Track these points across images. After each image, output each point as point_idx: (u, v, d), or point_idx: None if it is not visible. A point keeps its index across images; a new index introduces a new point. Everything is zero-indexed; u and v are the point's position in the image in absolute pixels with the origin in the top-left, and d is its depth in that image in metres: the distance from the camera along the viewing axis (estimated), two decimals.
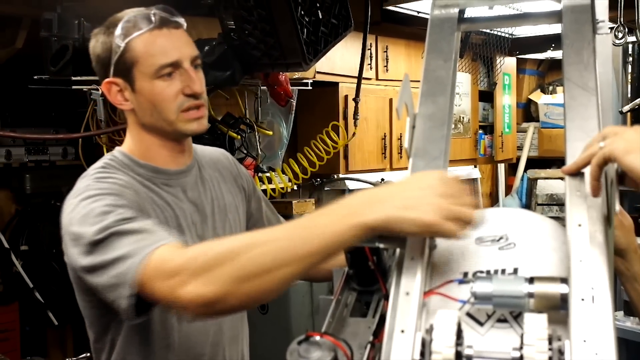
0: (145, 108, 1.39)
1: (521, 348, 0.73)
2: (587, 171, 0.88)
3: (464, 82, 5.08)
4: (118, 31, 1.35)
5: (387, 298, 0.90)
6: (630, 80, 4.46)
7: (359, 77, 3.49)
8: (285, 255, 1.02)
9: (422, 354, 0.75)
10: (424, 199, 0.91)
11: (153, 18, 1.36)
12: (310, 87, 3.59)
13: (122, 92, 1.40)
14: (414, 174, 0.97)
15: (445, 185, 0.92)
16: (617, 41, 3.14)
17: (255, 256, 1.03)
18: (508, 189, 6.30)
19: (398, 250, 0.90)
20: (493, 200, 6.21)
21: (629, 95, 4.42)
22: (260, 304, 1.10)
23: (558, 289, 0.78)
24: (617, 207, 0.88)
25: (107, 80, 1.40)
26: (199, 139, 3.02)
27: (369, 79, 4.09)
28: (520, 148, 6.11)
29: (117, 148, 1.46)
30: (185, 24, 1.43)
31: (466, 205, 0.91)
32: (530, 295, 0.78)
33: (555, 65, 6.23)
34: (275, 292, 1.06)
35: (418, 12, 3.77)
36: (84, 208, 1.24)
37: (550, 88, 6.21)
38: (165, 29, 1.37)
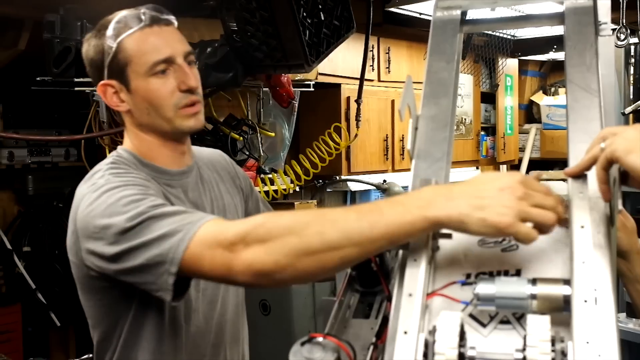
0: (142, 108, 1.38)
1: (524, 349, 0.73)
2: (592, 174, 0.88)
3: (466, 83, 5.08)
4: (109, 32, 1.35)
5: (389, 299, 0.90)
6: (632, 82, 4.46)
7: (361, 79, 3.49)
8: (352, 235, 0.98)
9: (425, 355, 0.75)
10: (500, 200, 0.88)
11: (143, 17, 1.36)
12: (312, 89, 3.59)
13: (118, 94, 1.39)
14: (491, 174, 0.94)
15: (524, 187, 0.89)
16: (620, 42, 3.14)
17: (323, 231, 1.00)
18: None
19: (400, 251, 0.90)
20: None
21: (631, 97, 4.41)
22: (316, 280, 1.08)
23: (561, 290, 0.78)
24: (620, 206, 0.88)
25: (102, 82, 1.39)
26: (201, 139, 3.04)
27: (371, 80, 4.10)
28: (522, 149, 6.11)
29: (120, 147, 1.45)
30: (175, 22, 1.42)
31: (547, 207, 0.88)
32: (533, 296, 0.78)
33: (557, 67, 6.22)
34: (334, 270, 1.04)
35: (420, 14, 3.77)
36: (109, 198, 1.23)
37: (552, 89, 6.21)
38: (156, 27, 1.36)
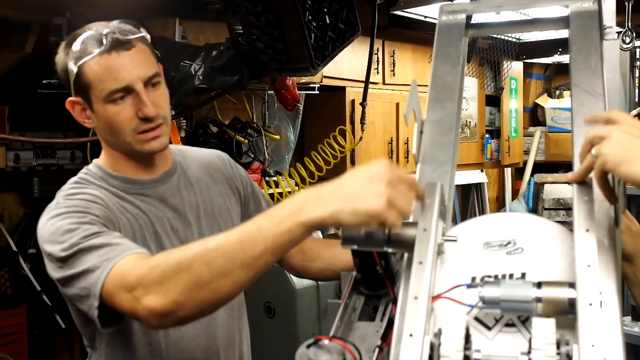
0: (104, 128, 1.40)
1: (529, 352, 0.73)
2: (594, 181, 0.87)
3: (471, 86, 5.08)
4: (73, 52, 1.35)
5: (395, 302, 0.90)
6: (638, 85, 4.45)
7: (366, 82, 3.49)
8: (237, 257, 1.04)
9: (431, 357, 0.75)
10: (370, 189, 0.93)
11: (104, 40, 1.33)
12: (317, 92, 3.60)
13: (85, 111, 1.41)
14: (360, 167, 0.98)
15: (391, 173, 0.94)
16: (625, 46, 3.13)
17: (209, 261, 1.05)
18: (515, 194, 6.29)
19: (406, 254, 0.91)
20: (500, 205, 6.20)
21: (637, 100, 4.41)
22: (217, 309, 1.16)
23: (566, 293, 0.78)
24: (624, 207, 0.88)
25: (69, 99, 1.41)
26: (207, 142, 3.05)
27: (376, 83, 4.10)
28: (527, 152, 6.10)
29: (93, 161, 1.48)
30: (147, 37, 1.40)
31: (409, 196, 0.93)
32: (538, 299, 0.78)
33: (562, 70, 6.22)
34: (230, 296, 1.09)
35: (425, 17, 3.77)
36: (52, 226, 1.27)
37: (557, 92, 6.20)
38: (115, 53, 1.33)
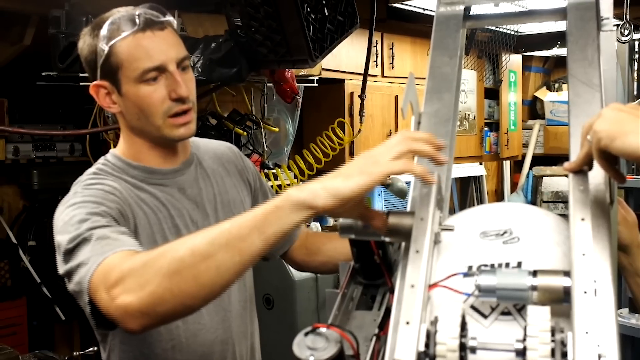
0: (133, 112, 1.37)
1: (524, 340, 0.74)
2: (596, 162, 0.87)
3: (470, 79, 5.08)
4: (103, 33, 1.32)
5: (392, 291, 0.91)
6: (636, 77, 4.45)
7: (365, 74, 3.49)
8: (221, 239, 0.97)
9: (427, 345, 0.76)
10: (390, 146, 0.91)
11: (137, 20, 1.32)
12: (316, 84, 3.60)
13: (110, 95, 1.38)
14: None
15: (401, 134, 0.93)
16: (623, 38, 3.13)
17: (193, 244, 0.99)
18: (513, 187, 6.30)
19: (403, 244, 0.91)
20: (498, 198, 6.21)
21: (635, 92, 4.41)
22: (201, 304, 1.04)
23: (561, 282, 0.79)
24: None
25: (94, 83, 1.38)
26: (205, 135, 3.05)
27: (375, 75, 4.10)
28: (525, 145, 6.11)
29: (110, 151, 1.46)
30: (174, 23, 1.39)
31: (425, 144, 0.92)
32: (534, 288, 0.79)
33: (561, 63, 6.22)
34: (214, 286, 1.00)
35: (424, 9, 3.78)
36: (66, 215, 1.24)
37: (556, 85, 6.20)
38: (149, 32, 1.32)
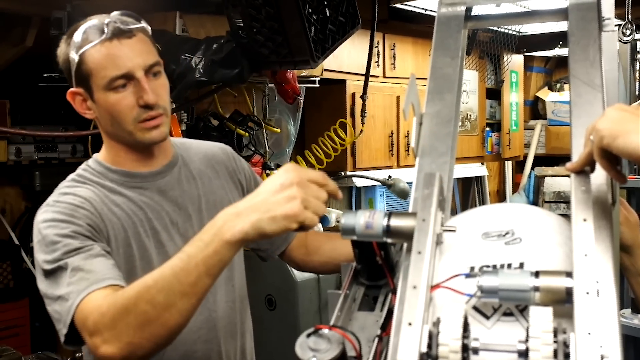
0: (106, 118, 1.40)
1: (527, 340, 0.74)
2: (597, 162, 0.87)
3: (471, 79, 5.08)
4: (74, 42, 1.36)
5: (394, 292, 0.91)
6: (638, 78, 4.45)
7: (367, 75, 3.50)
8: (175, 289, 1.10)
9: (429, 346, 0.76)
10: (283, 194, 1.03)
11: (105, 29, 1.34)
12: (317, 85, 3.60)
13: (85, 102, 1.41)
14: (270, 177, 1.07)
15: (300, 177, 1.03)
16: (625, 38, 3.13)
17: (150, 300, 1.10)
18: (515, 187, 6.30)
19: (405, 245, 0.91)
20: (500, 198, 6.21)
21: (637, 92, 4.41)
22: (174, 339, 1.18)
23: (563, 282, 0.79)
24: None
25: (70, 90, 1.42)
26: (207, 136, 3.05)
27: (377, 76, 4.10)
28: (527, 145, 6.11)
29: (93, 156, 1.49)
30: (148, 29, 1.41)
31: (321, 198, 1.06)
32: (536, 288, 0.79)
33: (562, 63, 6.22)
34: (182, 325, 1.14)
35: (425, 10, 3.78)
36: (39, 233, 1.30)
37: (558, 85, 6.20)
38: (116, 40, 1.35)
